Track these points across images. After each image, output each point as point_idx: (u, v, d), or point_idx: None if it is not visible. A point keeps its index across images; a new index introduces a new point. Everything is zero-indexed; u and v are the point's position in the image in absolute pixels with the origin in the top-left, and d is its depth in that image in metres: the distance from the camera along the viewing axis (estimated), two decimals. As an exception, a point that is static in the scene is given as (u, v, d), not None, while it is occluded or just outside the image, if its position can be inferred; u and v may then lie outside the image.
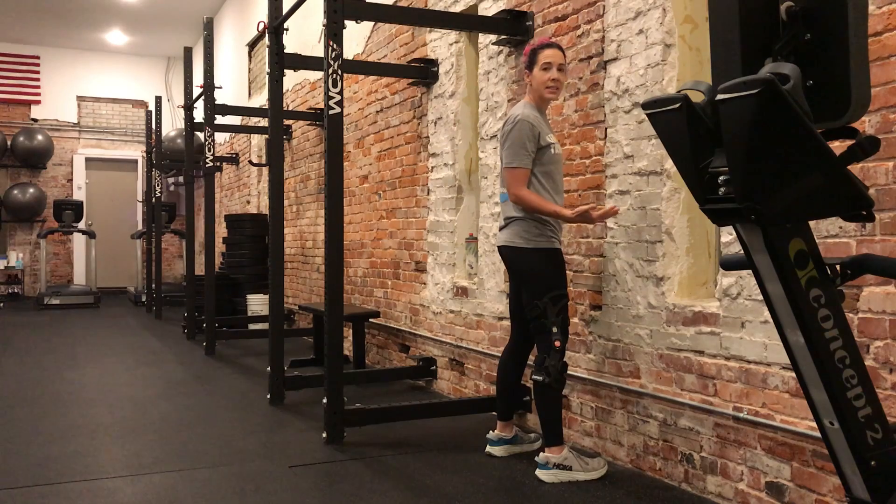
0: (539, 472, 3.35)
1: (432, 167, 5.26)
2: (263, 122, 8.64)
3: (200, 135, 8.35)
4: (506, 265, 3.61)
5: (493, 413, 3.99)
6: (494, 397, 3.80)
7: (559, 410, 3.43)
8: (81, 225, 12.69)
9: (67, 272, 14.07)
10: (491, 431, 3.75)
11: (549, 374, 3.31)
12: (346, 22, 3.85)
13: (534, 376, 3.37)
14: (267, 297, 5.91)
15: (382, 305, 6.05)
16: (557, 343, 3.33)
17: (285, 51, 4.96)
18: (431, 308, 5.26)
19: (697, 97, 1.60)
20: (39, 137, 13.44)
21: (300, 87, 8.22)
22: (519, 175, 3.37)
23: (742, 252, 1.71)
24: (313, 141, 7.72)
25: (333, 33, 3.80)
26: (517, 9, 4.25)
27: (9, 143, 13.33)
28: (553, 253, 3.43)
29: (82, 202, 12.52)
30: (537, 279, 3.38)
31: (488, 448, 3.72)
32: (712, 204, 1.59)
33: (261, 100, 9.82)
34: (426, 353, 5.38)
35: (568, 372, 3.88)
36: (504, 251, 3.52)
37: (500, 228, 3.57)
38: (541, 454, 3.39)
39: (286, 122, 8.06)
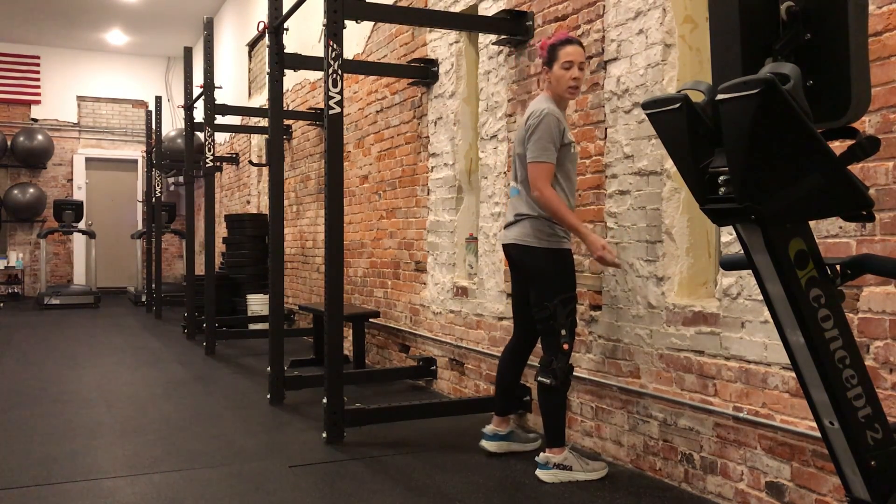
0: (539, 472, 3.34)
1: (432, 167, 5.26)
2: (263, 122, 8.64)
3: (200, 135, 8.35)
4: (512, 263, 3.55)
5: (492, 413, 3.99)
6: (494, 397, 3.78)
7: (563, 412, 3.42)
8: (81, 225, 12.70)
9: (67, 272, 14.08)
10: (487, 426, 3.73)
11: (555, 377, 3.28)
12: (346, 22, 3.85)
13: (539, 378, 3.34)
14: (267, 297, 5.91)
15: (382, 305, 6.05)
16: (566, 346, 3.29)
17: (285, 51, 4.96)
18: (431, 308, 5.26)
19: (697, 97, 1.60)
20: (39, 137, 13.44)
21: (300, 87, 8.22)
22: (546, 170, 3.29)
23: (742, 252, 1.71)
24: (313, 141, 7.72)
25: (333, 33, 3.80)
26: (517, 9, 4.25)
27: (9, 143, 13.33)
28: (564, 253, 3.39)
29: (82, 202, 12.53)
30: (548, 280, 3.33)
31: (482, 442, 3.70)
32: (712, 204, 1.59)
33: (261, 100, 9.83)
34: (426, 353, 5.38)
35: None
36: (512, 249, 3.45)
37: (507, 225, 3.50)
38: (541, 454, 3.38)
39: (286, 122, 8.06)
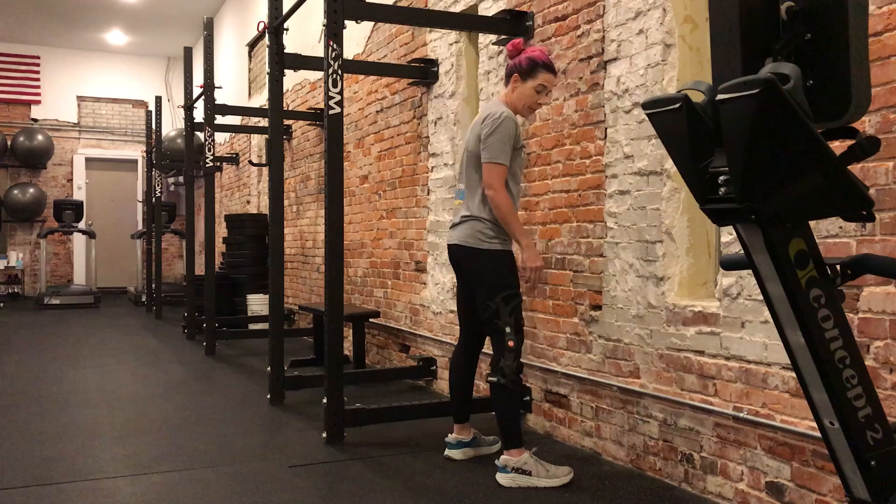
0: (498, 476, 3.29)
1: (432, 167, 5.26)
2: (263, 122, 8.65)
3: (200, 135, 8.35)
4: (455, 264, 3.56)
5: (493, 413, 3.98)
6: (451, 405, 3.70)
7: (517, 412, 3.40)
8: (81, 225, 12.70)
9: (67, 272, 14.08)
10: (449, 435, 3.69)
11: (504, 375, 3.27)
12: (346, 22, 3.85)
13: (489, 377, 3.33)
14: (267, 297, 5.91)
15: (382, 305, 6.05)
16: (511, 343, 3.28)
17: (285, 51, 4.96)
18: (431, 308, 5.26)
19: (697, 97, 1.60)
20: (39, 137, 13.44)
21: (300, 87, 8.22)
22: (502, 171, 3.33)
23: (742, 252, 1.70)
24: (313, 141, 7.72)
25: (333, 33, 3.80)
26: (517, 9, 4.25)
27: (9, 143, 13.33)
28: (506, 255, 3.39)
29: (82, 202, 12.53)
30: (489, 280, 3.34)
31: (447, 452, 3.66)
32: (712, 204, 1.59)
33: (261, 100, 9.83)
34: (426, 353, 5.38)
35: (566, 372, 3.89)
36: (455, 250, 3.47)
37: (453, 226, 3.52)
38: (500, 457, 3.33)
39: (286, 122, 8.06)
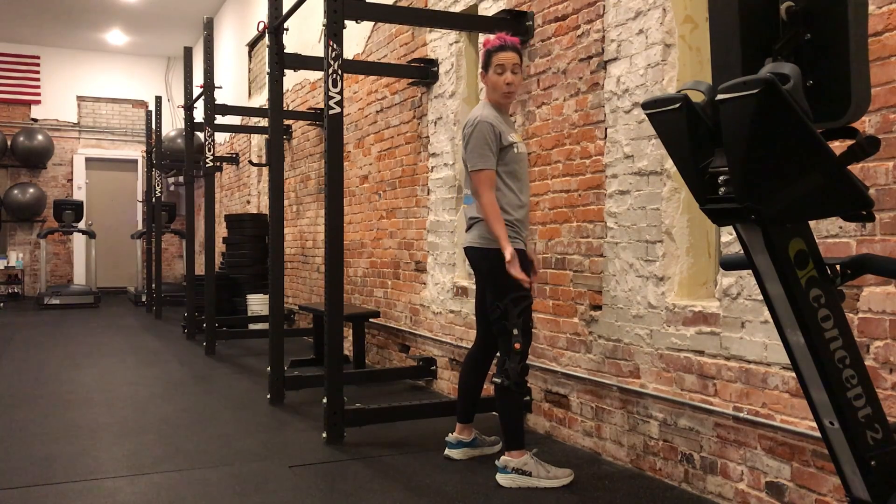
0: (498, 476, 3.30)
1: (432, 167, 5.26)
2: (263, 122, 8.64)
3: (200, 135, 8.35)
4: (471, 266, 3.56)
5: (494, 413, 3.98)
6: (457, 404, 3.71)
7: (520, 414, 3.39)
8: (81, 225, 12.70)
9: (67, 272, 14.08)
10: (450, 434, 3.70)
11: (508, 377, 3.26)
12: (346, 22, 3.86)
13: (494, 378, 3.32)
14: (267, 297, 5.92)
15: (382, 305, 6.05)
16: (518, 345, 3.26)
17: (285, 51, 4.96)
18: (431, 308, 5.26)
19: (697, 97, 1.60)
20: (39, 137, 13.44)
21: (300, 87, 8.22)
22: (484, 177, 3.31)
23: (742, 252, 1.70)
24: (313, 141, 7.72)
25: (333, 33, 3.80)
26: (517, 9, 4.25)
27: (9, 143, 13.33)
28: (516, 254, 3.34)
29: (82, 202, 12.53)
30: (499, 280, 3.30)
31: (447, 451, 3.66)
32: (712, 204, 1.59)
33: (261, 100, 9.83)
34: (426, 353, 5.38)
35: (567, 372, 3.89)
36: (469, 252, 3.48)
37: (466, 230, 3.53)
38: (501, 458, 3.34)
39: (286, 122, 8.06)
